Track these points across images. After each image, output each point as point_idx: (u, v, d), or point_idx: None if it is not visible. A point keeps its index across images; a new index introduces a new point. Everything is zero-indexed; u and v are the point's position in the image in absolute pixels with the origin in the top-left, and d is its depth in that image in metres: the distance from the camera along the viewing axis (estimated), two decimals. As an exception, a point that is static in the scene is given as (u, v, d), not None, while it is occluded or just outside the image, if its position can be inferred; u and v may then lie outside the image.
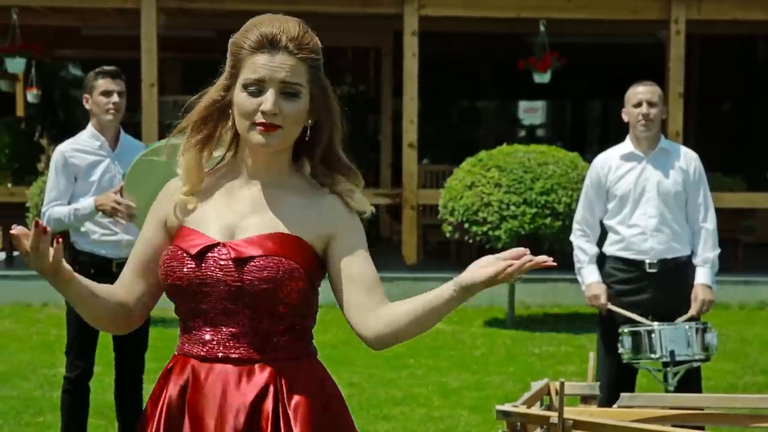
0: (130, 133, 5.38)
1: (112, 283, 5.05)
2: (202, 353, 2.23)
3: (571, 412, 3.32)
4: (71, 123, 14.90)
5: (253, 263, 2.18)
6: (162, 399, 2.26)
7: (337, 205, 2.29)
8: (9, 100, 13.54)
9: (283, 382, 2.21)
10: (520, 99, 17.73)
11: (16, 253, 11.16)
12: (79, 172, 4.92)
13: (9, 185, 11.53)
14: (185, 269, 2.21)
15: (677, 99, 10.26)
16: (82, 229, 4.94)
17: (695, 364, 4.83)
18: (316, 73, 2.25)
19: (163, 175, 4.48)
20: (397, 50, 11.38)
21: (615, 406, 3.74)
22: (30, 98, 12.09)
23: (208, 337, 2.23)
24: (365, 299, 2.24)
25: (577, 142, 15.63)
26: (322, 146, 2.29)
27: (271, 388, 2.20)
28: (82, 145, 4.98)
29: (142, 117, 10.28)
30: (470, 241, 9.18)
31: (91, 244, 4.94)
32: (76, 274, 2.22)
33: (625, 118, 5.10)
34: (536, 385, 3.62)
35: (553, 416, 3.17)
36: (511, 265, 2.07)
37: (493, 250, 9.68)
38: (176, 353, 2.30)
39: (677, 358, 4.72)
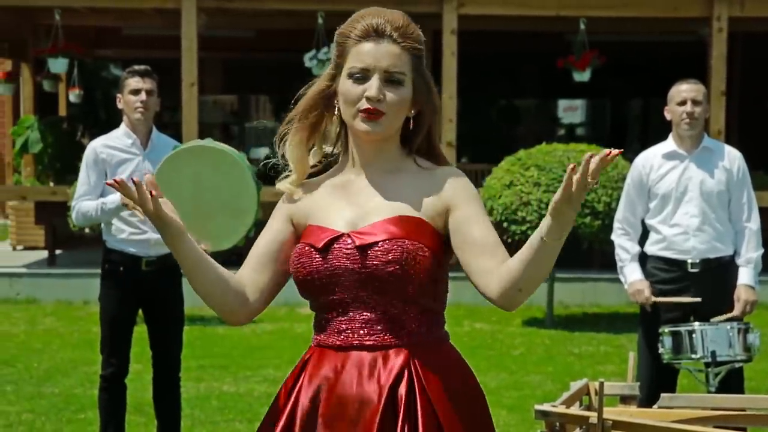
0: (170, 132, 5.43)
1: (141, 279, 5.06)
2: (337, 343, 2.27)
3: (611, 413, 3.30)
4: (112, 123, 15.01)
5: (377, 248, 2.23)
6: (297, 388, 2.29)
7: (451, 177, 2.33)
8: (52, 100, 13.68)
9: (418, 366, 2.24)
10: (560, 98, 17.64)
11: (58, 252, 11.29)
12: (109, 168, 4.96)
13: (51, 184, 11.66)
14: (314, 263, 2.26)
15: (719, 97, 10.16)
16: (113, 228, 4.97)
17: (737, 365, 4.78)
18: (419, 64, 2.30)
19: (191, 174, 4.50)
20: (436, 49, 11.36)
21: (655, 406, 3.71)
22: (72, 98, 12.20)
23: (343, 326, 2.27)
24: (489, 263, 2.23)
25: (616, 141, 15.52)
26: (421, 137, 2.35)
27: (406, 373, 2.23)
28: (114, 142, 5.02)
29: (182, 116, 10.35)
30: (509, 240, 9.15)
31: (120, 242, 4.98)
32: (188, 235, 2.29)
33: (667, 116, 5.06)
34: (575, 385, 3.61)
35: (593, 416, 3.15)
36: (576, 173, 2.01)
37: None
38: (312, 345, 2.33)
39: (719, 359, 4.68)
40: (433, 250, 2.26)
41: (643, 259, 5.11)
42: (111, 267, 5.00)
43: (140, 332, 5.26)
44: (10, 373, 7.15)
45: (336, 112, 2.33)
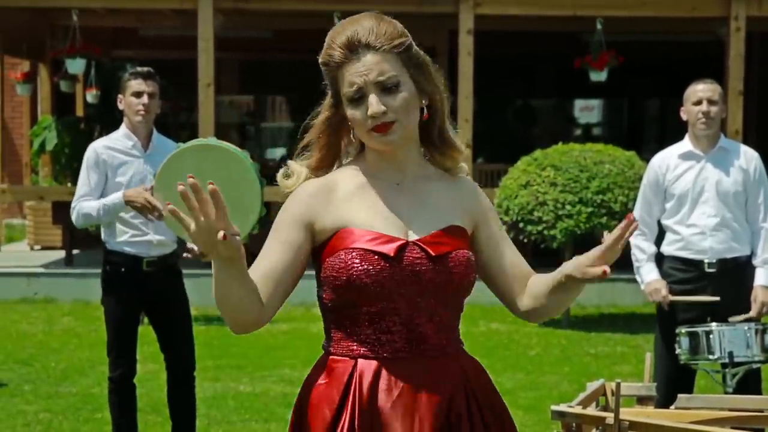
0: (187, 132, 5.44)
1: (143, 280, 5.05)
2: (389, 354, 2.21)
3: (628, 413, 3.29)
4: (129, 123, 15.08)
5: (450, 258, 2.23)
6: (349, 405, 2.19)
7: (475, 190, 2.38)
8: (69, 100, 13.75)
9: (469, 373, 2.29)
10: (576, 98, 17.61)
11: (75, 251, 11.34)
12: (110, 169, 4.96)
13: (68, 184, 11.71)
14: (384, 271, 2.18)
15: (737, 97, 10.12)
16: (116, 230, 4.96)
17: (754, 366, 4.76)
18: (407, 56, 2.23)
19: (194, 173, 4.46)
20: (453, 49, 11.36)
21: (672, 407, 3.70)
22: (89, 98, 12.26)
23: (396, 338, 2.22)
24: (518, 287, 2.35)
25: (634, 141, 15.48)
26: (438, 123, 2.32)
27: (462, 381, 2.26)
28: (115, 144, 5.02)
29: (199, 117, 10.38)
30: (525, 240, 9.14)
31: (121, 244, 4.98)
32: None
33: (684, 116, 5.04)
34: (592, 386, 3.60)
35: (609, 417, 3.15)
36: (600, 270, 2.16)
37: (549, 250, 9.63)
38: (349, 355, 2.23)
39: (736, 360, 4.66)
40: (474, 258, 2.31)
41: (660, 259, 5.10)
42: (112, 269, 4.99)
43: (140, 333, 5.27)
44: (28, 372, 7.19)
45: (352, 135, 2.30)
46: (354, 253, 2.19)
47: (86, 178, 4.97)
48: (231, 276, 2.10)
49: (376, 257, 2.18)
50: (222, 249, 2.04)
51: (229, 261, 2.07)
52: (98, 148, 5.00)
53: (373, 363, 2.21)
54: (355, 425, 2.18)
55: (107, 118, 13.63)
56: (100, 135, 13.35)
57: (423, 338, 2.23)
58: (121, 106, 5.04)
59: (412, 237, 2.24)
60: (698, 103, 4.93)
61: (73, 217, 5.00)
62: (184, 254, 4.94)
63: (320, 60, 2.26)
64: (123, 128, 5.06)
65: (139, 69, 5.05)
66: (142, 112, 4.96)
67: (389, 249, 2.20)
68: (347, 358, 2.23)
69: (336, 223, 2.24)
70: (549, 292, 2.27)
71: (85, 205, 4.92)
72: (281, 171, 2.35)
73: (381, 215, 2.25)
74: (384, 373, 2.21)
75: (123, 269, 4.95)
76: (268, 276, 2.22)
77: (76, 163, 12.08)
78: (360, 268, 2.18)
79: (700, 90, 4.95)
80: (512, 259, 2.36)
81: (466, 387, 2.26)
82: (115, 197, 4.82)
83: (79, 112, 13.73)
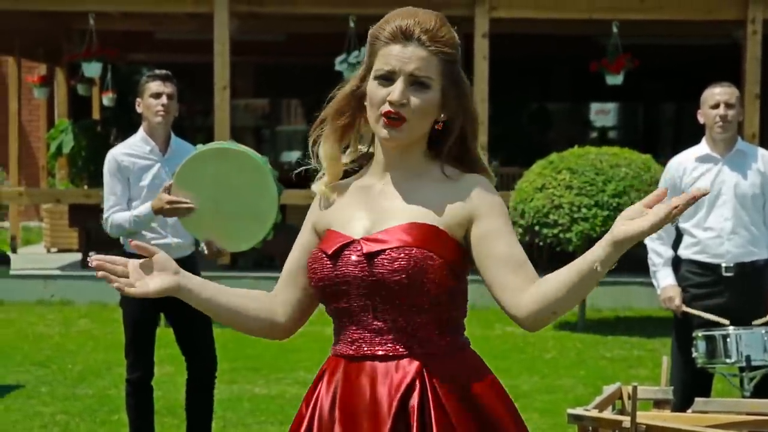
0: (203, 136, 5.44)
1: None
2: (350, 352, 2.24)
3: (644, 417, 3.28)
4: (145, 126, 15.12)
5: (383, 256, 2.18)
6: (315, 399, 2.27)
7: (477, 186, 2.25)
8: (86, 103, 13.81)
9: (430, 376, 2.19)
10: (592, 101, 17.58)
11: (92, 253, 11.37)
12: (131, 175, 4.97)
13: (85, 187, 11.76)
14: (325, 270, 2.23)
15: (753, 100, 10.09)
16: (137, 234, 4.98)
17: (772, 370, 4.74)
18: (449, 68, 2.23)
19: (213, 175, 4.46)
20: (468, 52, 11.35)
21: (689, 411, 3.69)
22: (106, 102, 12.31)
23: (354, 335, 2.24)
24: (515, 279, 2.18)
25: (649, 144, 15.44)
26: (451, 142, 2.28)
27: (418, 384, 2.18)
28: (133, 150, 5.02)
29: (215, 120, 10.40)
30: (541, 243, 9.13)
31: None
32: (190, 281, 2.40)
33: (701, 119, 5.02)
34: (608, 389, 3.59)
35: (626, 420, 3.14)
36: (663, 209, 1.98)
37: (564, 253, 9.60)
38: (330, 354, 2.31)
39: (753, 363, 4.64)
40: (446, 260, 2.19)
41: (677, 262, 5.08)
42: None
43: (171, 334, 5.28)
44: (45, 374, 7.21)
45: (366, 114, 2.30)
46: (312, 254, 2.29)
47: (111, 187, 4.97)
48: (199, 304, 2.32)
49: (320, 255, 2.25)
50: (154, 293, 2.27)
51: (179, 294, 2.31)
52: (117, 155, 5.01)
53: (339, 361, 2.26)
54: (313, 425, 2.24)
55: (123, 121, 13.68)
56: (117, 138, 13.39)
57: (371, 338, 2.22)
58: (139, 109, 5.05)
59: (365, 234, 2.23)
60: (716, 106, 4.91)
61: (107, 228, 5.00)
62: (200, 249, 4.94)
63: (372, 30, 2.28)
64: (140, 133, 5.06)
65: (157, 71, 5.06)
66: (162, 113, 4.97)
67: (330, 246, 2.24)
68: (330, 356, 2.31)
69: (324, 225, 2.32)
70: (570, 283, 2.10)
71: (117, 216, 4.91)
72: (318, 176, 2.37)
73: (353, 215, 2.27)
74: (345, 372, 2.23)
75: None
76: (287, 280, 2.35)
77: (92, 166, 12.13)
78: (310, 268, 2.27)
79: (718, 93, 4.93)
80: (509, 247, 2.19)
81: (423, 390, 2.17)
82: (145, 209, 4.82)
83: (96, 115, 13.78)
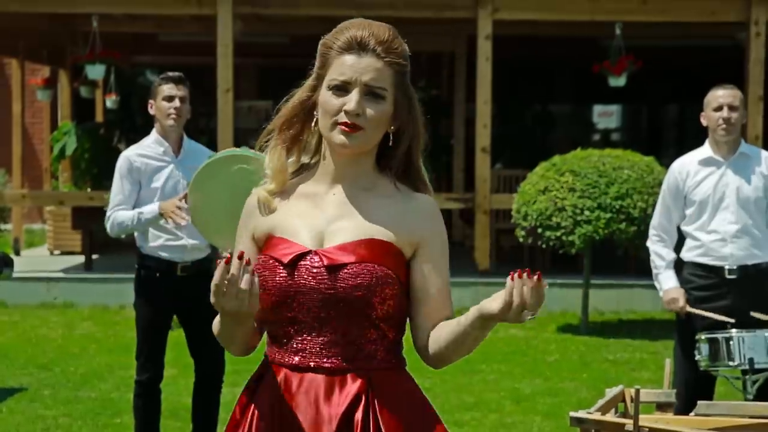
0: (206, 138, 5.45)
1: (176, 285, 5.09)
2: (293, 362, 2.22)
3: (647, 420, 3.27)
4: (148, 128, 15.13)
5: (345, 270, 2.17)
6: (251, 407, 2.25)
7: (428, 211, 2.29)
8: (89, 106, 13.82)
9: (374, 392, 2.20)
10: (595, 103, 17.56)
11: (95, 256, 11.38)
12: (143, 177, 4.97)
13: (88, 189, 11.77)
14: (278, 278, 2.20)
15: (757, 102, 10.07)
16: (149, 235, 4.98)
17: (775, 373, 4.73)
18: (401, 80, 2.25)
19: (227, 181, 4.52)
20: (471, 54, 11.35)
21: (692, 414, 3.68)
22: (109, 104, 12.32)
23: (300, 346, 2.21)
24: (428, 323, 2.26)
25: (653, 146, 15.43)
26: (401, 154, 2.29)
27: (363, 399, 2.19)
28: (146, 151, 5.03)
29: (218, 122, 10.41)
30: (543, 246, 9.12)
31: (155, 248, 4.99)
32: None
33: (704, 122, 5.02)
34: (611, 392, 3.58)
35: (629, 423, 3.13)
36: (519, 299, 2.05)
37: (567, 256, 9.60)
38: (266, 361, 2.28)
39: (756, 366, 4.63)
40: (399, 278, 2.22)
41: (680, 265, 5.08)
42: (147, 273, 5.01)
43: (174, 337, 5.29)
44: (48, 377, 7.22)
45: (314, 124, 2.28)
46: (261, 260, 2.24)
47: (120, 186, 4.97)
48: (238, 326, 2.21)
49: (273, 264, 2.21)
50: (244, 314, 2.14)
51: (244, 318, 2.18)
52: (131, 156, 5.01)
53: (279, 369, 2.23)
54: (252, 429, 2.22)
55: (127, 124, 13.71)
56: (120, 140, 13.42)
57: (318, 350, 2.20)
58: (152, 112, 5.06)
59: (319, 246, 2.21)
60: (719, 108, 4.91)
61: (108, 226, 5.00)
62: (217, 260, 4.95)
63: (323, 39, 2.27)
64: (153, 134, 5.07)
65: (170, 74, 5.06)
66: (174, 116, 4.99)
67: (286, 256, 2.20)
68: (266, 363, 2.28)
69: (265, 230, 2.29)
70: (454, 342, 2.19)
71: (120, 214, 4.92)
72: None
73: (303, 224, 2.25)
74: (287, 381, 2.21)
75: (157, 274, 4.97)
76: None
77: (95, 169, 12.14)
78: (263, 274, 2.21)
79: (721, 96, 4.92)
80: (440, 289, 2.25)
81: (366, 405, 2.19)
82: (152, 209, 4.83)
83: (99, 117, 13.79)
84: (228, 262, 2.06)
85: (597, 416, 3.26)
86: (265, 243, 2.27)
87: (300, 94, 2.30)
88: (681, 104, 17.11)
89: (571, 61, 14.51)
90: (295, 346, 2.22)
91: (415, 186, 2.31)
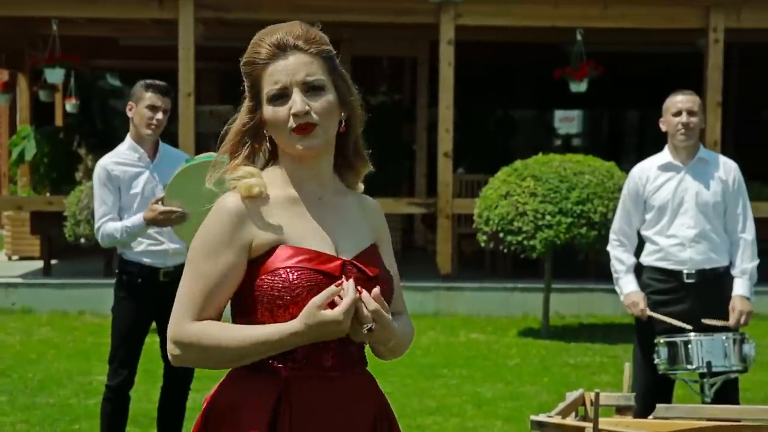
0: (167, 142, 5.42)
1: (158, 290, 5.07)
2: (319, 372, 2.18)
3: (607, 423, 3.30)
4: (109, 133, 15.02)
5: (381, 278, 2.22)
6: (279, 426, 2.16)
7: (378, 209, 2.37)
8: (48, 110, 13.69)
9: (379, 392, 2.32)
10: (557, 108, 17.67)
11: (53, 262, 11.27)
12: (122, 184, 4.95)
13: (47, 194, 11.65)
14: (323, 289, 2.11)
15: (715, 108, 10.18)
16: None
17: (732, 376, 4.78)
18: (332, 64, 2.23)
19: (203, 186, 4.56)
20: (433, 59, 11.38)
21: (651, 417, 3.71)
22: (69, 108, 12.21)
23: (326, 355, 2.18)
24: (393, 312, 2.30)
25: (613, 152, 15.55)
26: (353, 137, 2.28)
27: (378, 400, 2.29)
28: (122, 158, 5.01)
29: (179, 126, 10.35)
30: (505, 250, 9.15)
31: (137, 254, 4.97)
32: None
33: (663, 127, 5.06)
34: (571, 396, 3.60)
35: (588, 427, 3.15)
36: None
37: (528, 260, 9.64)
38: (282, 375, 2.17)
39: (714, 369, 4.68)
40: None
41: (639, 269, 5.11)
42: (129, 278, 4.98)
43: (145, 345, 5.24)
44: (5, 383, 7.13)
45: (266, 142, 2.23)
46: (297, 273, 2.13)
47: (102, 198, 4.94)
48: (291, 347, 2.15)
49: (321, 277, 2.14)
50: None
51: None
52: (107, 165, 4.98)
53: (305, 380, 2.18)
54: None
55: (86, 128, 13.60)
56: (80, 145, 13.31)
57: (350, 356, 2.22)
58: (130, 114, 5.01)
59: (344, 255, 2.21)
60: (678, 114, 4.96)
61: (99, 239, 4.98)
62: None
63: (244, 59, 2.24)
64: (128, 140, 5.04)
65: (157, 82, 5.01)
66: (153, 127, 4.97)
67: (333, 269, 2.16)
68: (274, 376, 2.17)
69: (272, 238, 2.17)
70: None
71: (109, 226, 4.89)
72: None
73: (312, 231, 2.21)
74: (313, 391, 2.18)
75: (139, 279, 4.94)
76: (211, 304, 2.17)
77: (54, 173, 12.03)
78: (305, 286, 2.12)
79: (680, 101, 4.97)
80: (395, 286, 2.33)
81: (381, 407, 2.29)
82: (137, 220, 4.81)
83: (59, 121, 13.66)
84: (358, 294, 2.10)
85: (557, 420, 3.28)
86: (271, 253, 2.16)
87: (240, 118, 2.25)
88: (641, 110, 17.24)
89: (533, 67, 14.59)
90: (320, 357, 2.18)
91: (356, 165, 2.30)
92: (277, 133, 2.19)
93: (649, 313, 4.94)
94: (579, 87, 10.82)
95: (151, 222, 4.73)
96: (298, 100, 2.15)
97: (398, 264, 2.43)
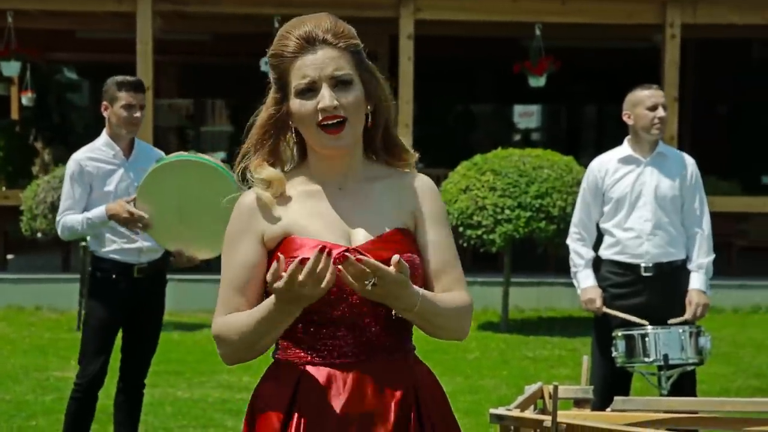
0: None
1: (133, 286, 5.04)
2: (338, 359, 2.19)
3: (565, 416, 3.32)
4: (66, 126, 14.88)
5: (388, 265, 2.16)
6: (296, 413, 2.18)
7: (422, 188, 2.30)
8: (4, 103, 13.54)
9: (419, 379, 2.29)
10: (516, 103, 17.75)
11: (9, 256, 11.15)
12: (95, 180, 4.90)
13: (3, 188, 11.52)
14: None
15: (672, 103, 10.26)
16: (106, 239, 4.92)
17: (689, 368, 4.83)
18: (360, 59, 2.23)
19: (176, 186, 4.55)
20: (393, 54, 11.38)
21: (608, 409, 3.73)
22: (25, 101, 12.07)
23: (343, 343, 2.19)
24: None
25: (572, 146, 15.65)
26: (381, 130, 2.28)
27: (411, 385, 2.25)
28: (97, 154, 4.95)
29: (137, 120, 10.27)
30: (465, 245, 9.18)
31: (110, 252, 4.93)
32: None
33: (629, 121, 5.05)
34: (530, 389, 3.62)
35: (547, 420, 3.17)
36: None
37: (488, 254, 9.68)
38: (296, 362, 2.21)
39: (671, 362, 4.72)
40: (420, 258, 2.25)
41: (597, 263, 5.15)
42: (103, 275, 4.93)
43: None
44: (-39, 379, 7.05)
45: (291, 134, 2.25)
46: (299, 263, 2.13)
47: (70, 191, 4.88)
48: (290, 318, 2.14)
49: None
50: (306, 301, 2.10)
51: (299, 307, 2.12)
52: (81, 159, 4.92)
53: (322, 369, 2.19)
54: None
55: (43, 122, 13.46)
56: (36, 138, 13.17)
57: (370, 342, 2.21)
58: (105, 114, 4.95)
59: (355, 243, 2.20)
60: (653, 108, 4.98)
61: (59, 231, 4.93)
62: (171, 258, 4.90)
63: (271, 51, 2.23)
64: (104, 136, 4.98)
65: (129, 79, 4.95)
66: (132, 126, 4.92)
67: (335, 257, 2.15)
68: (295, 366, 2.21)
69: (281, 231, 2.21)
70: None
71: (69, 218, 4.84)
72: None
73: (323, 221, 2.22)
74: (333, 378, 2.19)
75: (114, 276, 4.90)
76: (240, 297, 2.22)
77: (10, 167, 11.90)
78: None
79: (654, 96, 5.00)
80: (444, 259, 2.27)
81: (417, 393, 2.26)
82: (99, 211, 4.76)
83: (15, 115, 13.51)
84: (303, 263, 2.03)
85: (516, 413, 3.29)
86: (282, 244, 2.20)
87: (266, 110, 2.25)
88: (599, 105, 17.37)
89: (493, 62, 14.64)
90: (339, 343, 2.19)
91: (397, 154, 2.31)
92: (303, 127, 2.21)
93: (605, 309, 4.98)
94: (538, 82, 10.88)
95: (113, 217, 4.69)
96: (326, 95, 2.16)
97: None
